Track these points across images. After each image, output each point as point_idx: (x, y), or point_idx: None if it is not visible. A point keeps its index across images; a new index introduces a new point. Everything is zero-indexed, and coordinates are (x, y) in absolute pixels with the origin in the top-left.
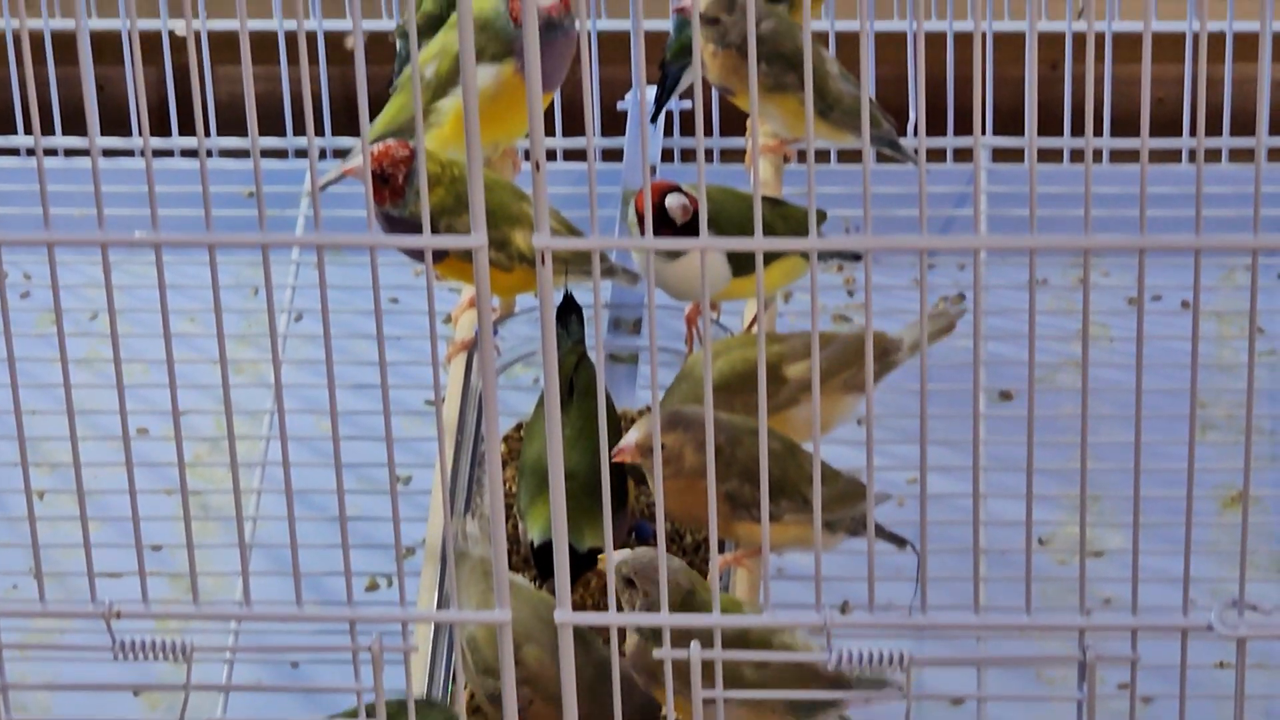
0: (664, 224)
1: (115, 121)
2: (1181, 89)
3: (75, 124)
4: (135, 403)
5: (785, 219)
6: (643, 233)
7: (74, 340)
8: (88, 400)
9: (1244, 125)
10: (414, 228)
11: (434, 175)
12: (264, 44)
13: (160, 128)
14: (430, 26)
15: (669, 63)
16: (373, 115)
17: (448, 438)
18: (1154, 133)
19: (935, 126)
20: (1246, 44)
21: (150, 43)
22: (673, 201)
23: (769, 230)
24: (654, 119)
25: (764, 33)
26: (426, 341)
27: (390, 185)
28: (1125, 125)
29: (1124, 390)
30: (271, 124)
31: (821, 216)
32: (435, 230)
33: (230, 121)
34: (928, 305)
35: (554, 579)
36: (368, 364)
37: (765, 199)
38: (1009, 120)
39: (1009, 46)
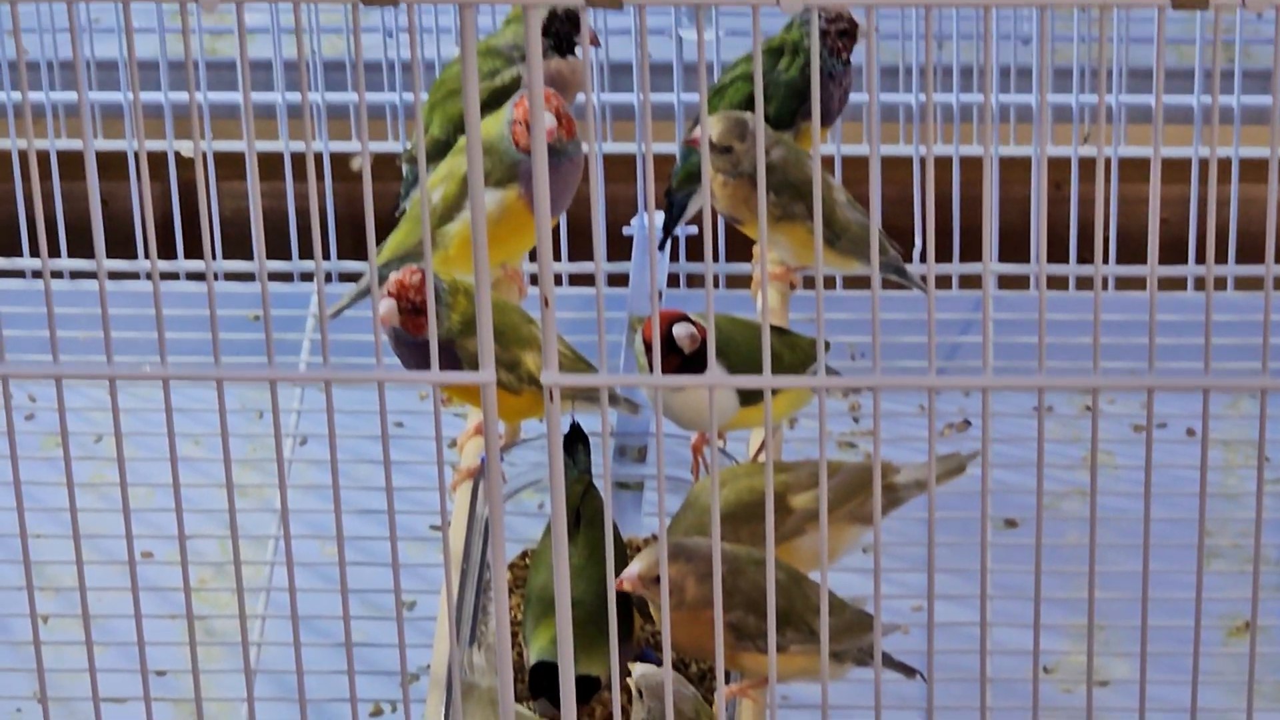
0: (671, 353)
1: (121, 238)
2: (1186, 209)
3: (81, 243)
4: (140, 527)
5: (792, 348)
6: (650, 363)
7: (79, 463)
8: (93, 524)
9: (1250, 247)
10: (449, 347)
11: (456, 287)
12: (270, 160)
13: (166, 247)
14: (437, 152)
15: (675, 190)
16: (379, 236)
17: (454, 564)
18: (1160, 254)
19: (941, 247)
20: (1253, 167)
21: (156, 158)
22: (680, 331)
23: (776, 359)
24: (661, 246)
25: (774, 161)
26: (432, 466)
27: (423, 313)
28: (1131, 244)
29: (1130, 519)
30: (277, 242)
31: (826, 346)
32: (451, 350)
33: (235, 237)
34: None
35: (543, 699)
36: (373, 489)
37: (772, 328)
38: (1014, 241)
39: (1014, 167)
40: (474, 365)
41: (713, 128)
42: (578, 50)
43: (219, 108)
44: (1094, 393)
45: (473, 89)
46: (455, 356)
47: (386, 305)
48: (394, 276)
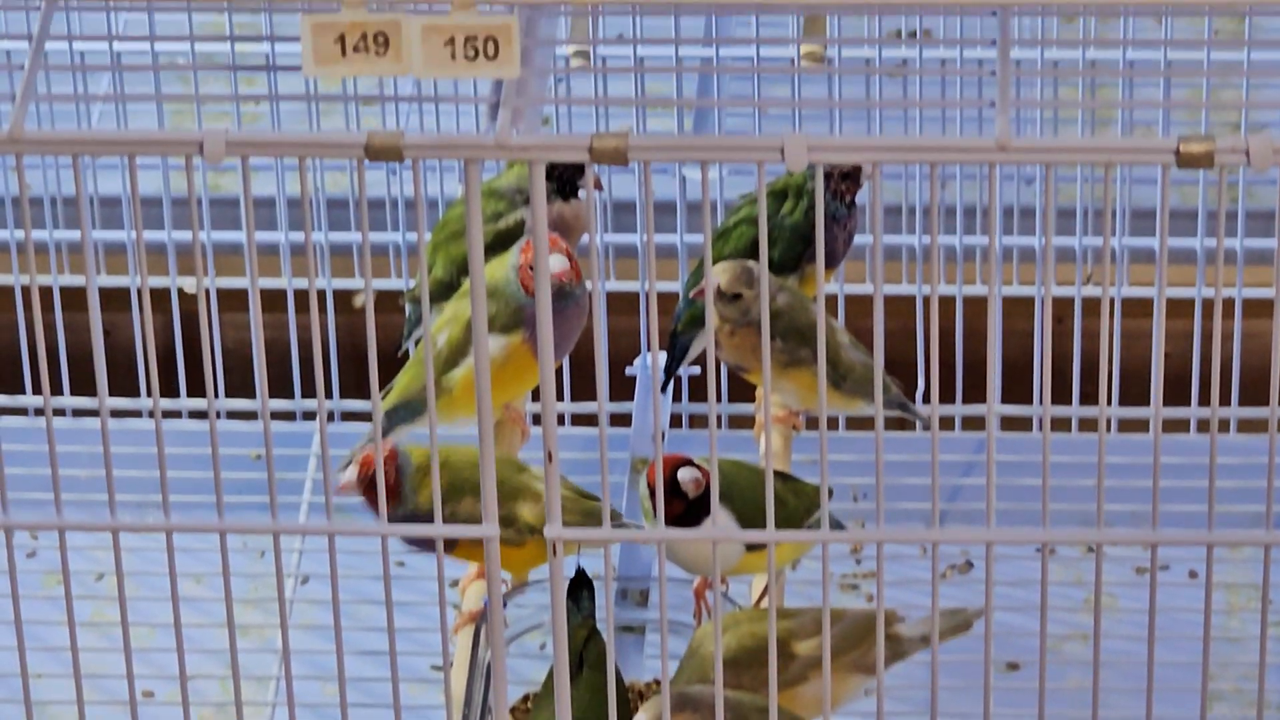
0: (676, 497)
1: (124, 368)
2: (1189, 343)
3: (84, 376)
4: (141, 666)
5: (796, 494)
6: (654, 508)
7: (80, 602)
8: (94, 663)
9: (1254, 382)
10: (419, 519)
11: (425, 466)
12: (273, 294)
13: (168, 382)
14: (441, 293)
15: (679, 333)
16: (382, 372)
17: (455, 706)
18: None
19: (945, 381)
20: (1257, 306)
21: (159, 294)
22: (685, 476)
23: (780, 504)
24: (664, 388)
25: (780, 307)
26: (434, 606)
27: (389, 491)
28: (1134, 380)
29: (1133, 661)
30: (280, 374)
31: (830, 492)
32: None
33: (238, 367)
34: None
35: None
36: (375, 629)
37: (776, 474)
38: (1017, 374)
39: (1018, 302)
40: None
41: (720, 276)
42: (581, 193)
43: (222, 245)
44: (1098, 547)
45: (477, 241)
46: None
47: (348, 476)
48: (362, 451)
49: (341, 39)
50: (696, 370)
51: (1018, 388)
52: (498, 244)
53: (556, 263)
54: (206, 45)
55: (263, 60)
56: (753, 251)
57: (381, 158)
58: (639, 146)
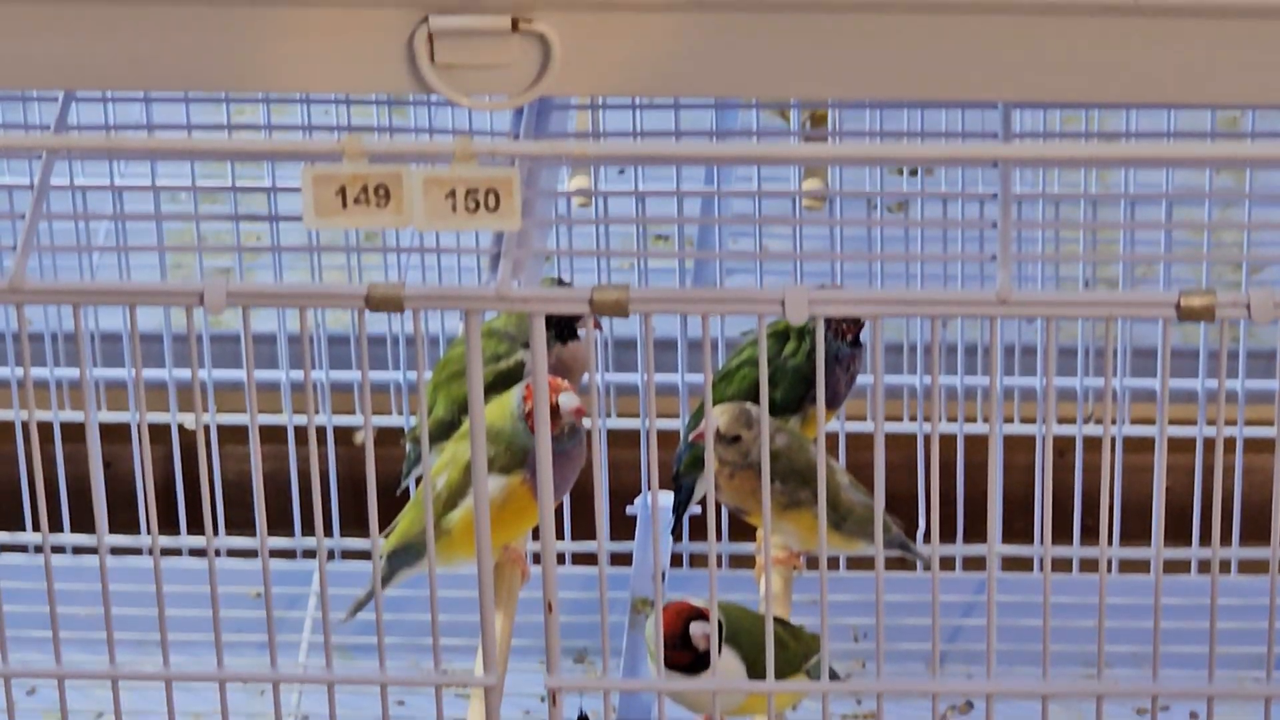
0: (685, 649)
1: (124, 500)
2: (1190, 477)
3: (84, 510)
4: None
5: (797, 638)
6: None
7: None
8: None
9: (1255, 518)
10: None
11: None
12: (274, 429)
13: (168, 517)
14: (442, 433)
15: (682, 474)
16: (381, 509)
17: None
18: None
19: (945, 517)
20: (1259, 442)
21: (159, 430)
22: (697, 631)
23: (781, 647)
24: (674, 531)
25: (779, 448)
26: None
27: None
28: (1134, 515)
29: None
30: (281, 504)
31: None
32: None
33: (238, 501)
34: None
35: None
36: None
37: (777, 620)
38: (1017, 508)
39: (1018, 438)
40: None
41: (719, 419)
42: (580, 333)
43: (223, 382)
44: (1098, 699)
45: (477, 387)
46: None
47: None
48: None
49: (343, 191)
50: (697, 510)
51: (1019, 522)
52: (498, 384)
53: (568, 400)
54: (210, 201)
55: (265, 199)
56: (756, 393)
57: (382, 308)
58: (640, 299)
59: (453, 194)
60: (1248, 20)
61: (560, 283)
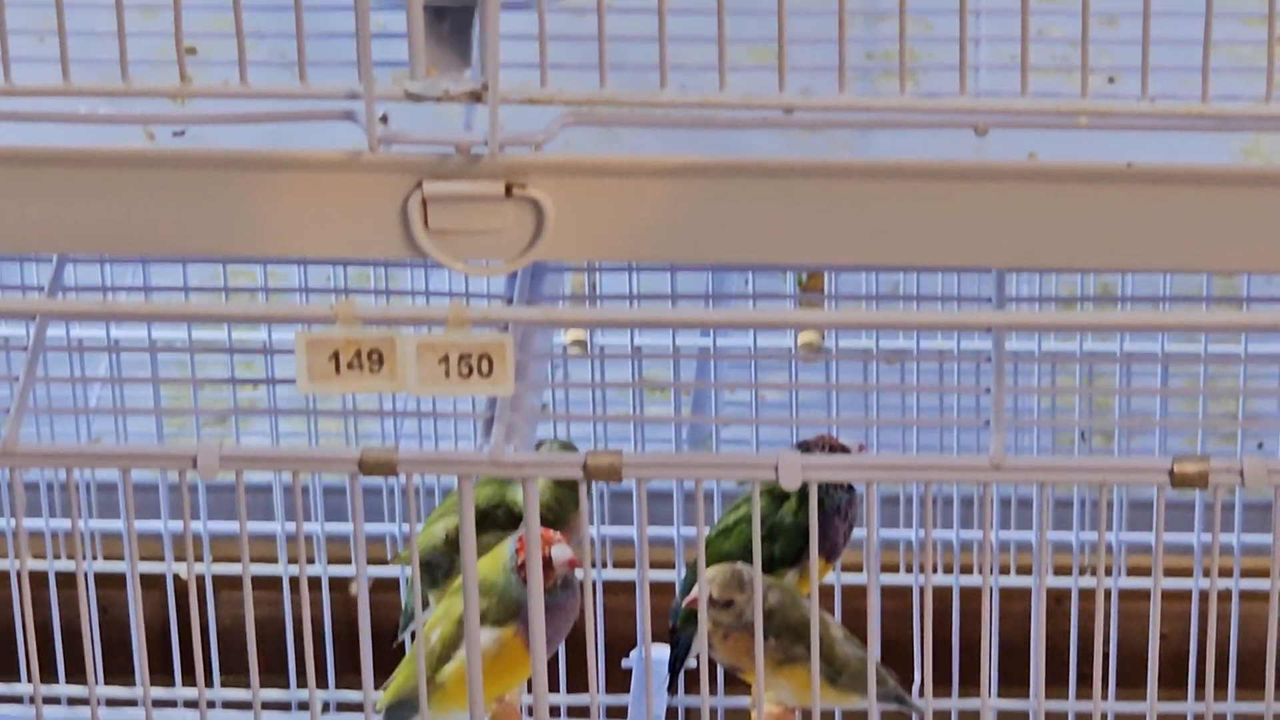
0: None
1: (118, 649)
2: (1186, 624)
3: (78, 658)
4: None
5: None
6: None
7: None
8: None
9: (1250, 665)
10: None
11: None
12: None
13: (162, 665)
14: (443, 552)
15: (679, 629)
16: (377, 659)
17: None
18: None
19: (940, 662)
20: (1256, 595)
21: (153, 577)
22: None
23: None
24: (670, 686)
25: (772, 605)
26: None
27: None
28: (1130, 663)
29: None
30: (275, 658)
31: None
32: None
33: (233, 648)
34: None
35: None
36: None
37: None
38: (1013, 656)
39: (1013, 589)
40: None
41: (712, 583)
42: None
43: (219, 534)
44: None
45: (470, 553)
46: None
47: None
48: None
49: (336, 356)
50: (693, 664)
51: (1014, 670)
52: (492, 526)
53: (561, 553)
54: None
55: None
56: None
57: (376, 473)
58: (633, 464)
59: (446, 359)
60: (1243, 188)
61: (564, 446)
